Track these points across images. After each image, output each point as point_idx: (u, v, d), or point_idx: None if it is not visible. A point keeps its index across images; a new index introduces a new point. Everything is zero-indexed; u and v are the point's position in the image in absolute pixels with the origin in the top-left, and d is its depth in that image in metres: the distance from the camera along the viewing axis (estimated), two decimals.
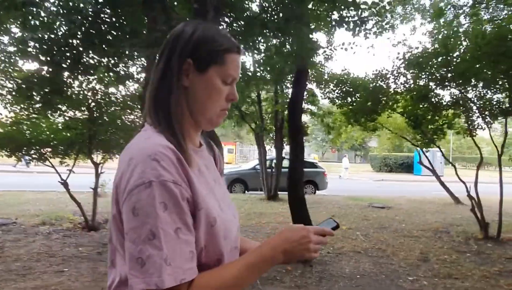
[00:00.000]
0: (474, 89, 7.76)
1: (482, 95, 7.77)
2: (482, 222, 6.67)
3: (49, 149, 6.58)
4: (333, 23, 4.20)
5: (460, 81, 7.53)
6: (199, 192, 0.80)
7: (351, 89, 9.04)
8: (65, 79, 4.52)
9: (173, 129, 0.83)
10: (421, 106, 8.13)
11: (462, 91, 7.76)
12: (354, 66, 13.40)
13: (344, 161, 25.69)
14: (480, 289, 3.97)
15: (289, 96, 9.97)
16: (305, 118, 13.73)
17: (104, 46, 3.75)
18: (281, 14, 3.85)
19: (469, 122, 7.96)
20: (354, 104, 9.14)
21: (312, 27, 4.75)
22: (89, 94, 6.39)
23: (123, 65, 5.29)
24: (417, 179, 24.94)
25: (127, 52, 3.78)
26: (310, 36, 4.72)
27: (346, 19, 4.19)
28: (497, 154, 7.12)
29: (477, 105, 7.86)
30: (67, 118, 6.25)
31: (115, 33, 3.58)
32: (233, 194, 11.89)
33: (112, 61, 4.61)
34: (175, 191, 0.74)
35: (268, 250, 0.83)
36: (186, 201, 0.77)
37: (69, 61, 3.95)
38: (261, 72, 7.93)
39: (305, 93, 11.63)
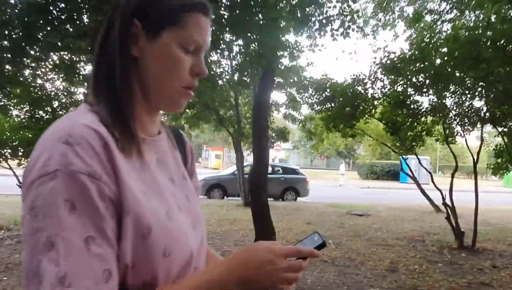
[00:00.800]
0: (453, 95, 7.68)
1: (461, 102, 7.70)
2: (457, 231, 6.52)
3: (9, 150, 6.30)
4: (297, 21, 4.02)
5: (436, 87, 7.44)
6: (130, 190, 0.60)
7: (330, 94, 8.93)
8: (9, 73, 4.24)
9: (115, 108, 0.64)
10: (399, 112, 8.02)
11: (440, 97, 7.66)
12: (339, 73, 13.33)
13: (341, 167, 26.38)
14: None
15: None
16: (289, 124, 13.59)
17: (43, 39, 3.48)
18: (241, 10, 3.66)
19: (448, 129, 7.86)
20: (333, 109, 9.03)
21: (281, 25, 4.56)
22: (52, 93, 6.14)
23: (84, 62, 5.03)
24: (402, 186, 24.90)
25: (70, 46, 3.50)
26: (279, 35, 4.54)
27: (311, 18, 4.01)
28: (473, 162, 7.01)
29: (455, 112, 7.78)
30: (26, 118, 5.96)
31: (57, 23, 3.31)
32: (211, 200, 11.62)
33: (62, 56, 4.35)
34: (88, 186, 0.55)
35: (221, 272, 0.64)
36: (107, 201, 0.57)
37: (9, 54, 3.68)
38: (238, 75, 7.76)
39: (286, 98, 11.55)
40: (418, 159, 9.01)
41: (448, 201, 6.66)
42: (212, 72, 5.05)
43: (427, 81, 7.24)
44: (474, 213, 6.46)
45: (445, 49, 6.56)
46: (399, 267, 4.94)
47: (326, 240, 0.74)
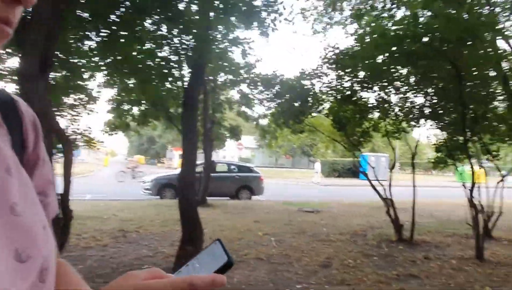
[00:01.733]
0: (397, 92, 7.81)
1: (404, 98, 7.85)
2: (396, 225, 6.62)
3: None
4: (221, 11, 3.86)
5: (380, 84, 7.55)
6: None
7: (279, 90, 8.88)
8: None
9: None
10: (346, 107, 8.07)
11: (385, 93, 7.77)
12: (291, 70, 13.36)
13: (316, 166, 27.02)
14: None
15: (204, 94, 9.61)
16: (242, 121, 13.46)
17: None
18: None
19: (394, 125, 8.00)
20: (282, 105, 8.99)
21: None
22: None
23: None
24: (362, 183, 25.52)
25: None
26: (208, 26, 4.35)
27: (236, 8, 3.87)
28: (411, 157, 7.17)
29: (399, 108, 7.93)
30: None
31: None
32: (162, 200, 11.26)
33: None
34: None
35: None
36: None
37: None
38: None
39: (240, 95, 11.40)
40: (362, 157, 9.10)
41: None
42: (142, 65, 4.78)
43: (372, 77, 7.32)
44: (412, 207, 6.57)
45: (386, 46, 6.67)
46: (333, 262, 4.90)
47: (231, 257, 0.46)
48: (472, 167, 6.34)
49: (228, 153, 45.65)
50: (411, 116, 7.93)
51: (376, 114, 8.34)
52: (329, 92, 8.15)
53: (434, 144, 7.82)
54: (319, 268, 4.61)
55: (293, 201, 12.02)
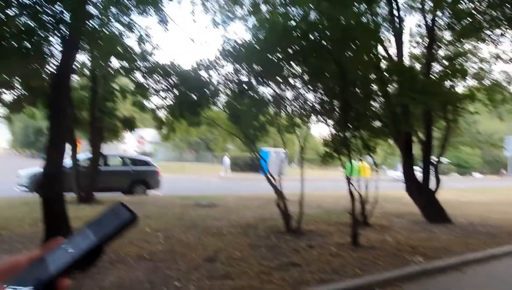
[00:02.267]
0: (291, 88, 8.04)
1: (299, 95, 8.11)
2: (285, 216, 6.84)
3: None
4: None
5: (276, 79, 7.68)
6: None
7: (177, 81, 8.49)
8: None
9: None
10: (242, 101, 8.05)
11: (277, 89, 7.93)
12: (192, 61, 12.96)
13: (225, 160, 28.04)
14: (249, 287, 3.69)
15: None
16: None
17: None
18: None
19: (288, 120, 8.22)
20: (178, 96, 8.62)
21: None
22: None
23: None
24: (263, 177, 26.37)
25: None
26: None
27: None
28: (300, 151, 7.48)
29: (293, 104, 8.19)
30: None
31: None
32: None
33: None
34: None
35: None
36: None
37: None
38: None
39: (135, 84, 10.64)
40: (263, 152, 9.25)
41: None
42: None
43: (267, 72, 7.41)
44: (300, 199, 6.85)
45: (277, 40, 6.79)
46: (220, 256, 4.80)
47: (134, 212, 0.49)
48: (350, 162, 6.84)
49: (130, 147, 43.13)
50: (304, 112, 8.28)
51: (272, 109, 8.51)
52: (226, 84, 8.07)
53: (323, 140, 8.30)
54: (203, 263, 4.46)
55: (193, 195, 11.75)
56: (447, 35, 10.55)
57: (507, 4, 8.54)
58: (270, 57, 6.85)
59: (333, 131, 8.07)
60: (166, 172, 24.54)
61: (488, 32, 9.83)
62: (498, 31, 9.78)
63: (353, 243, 5.74)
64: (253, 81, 7.89)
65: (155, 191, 12.39)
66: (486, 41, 10.35)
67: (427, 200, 8.83)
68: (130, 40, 10.53)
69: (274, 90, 7.81)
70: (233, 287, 3.64)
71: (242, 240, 5.81)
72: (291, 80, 7.73)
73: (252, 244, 5.56)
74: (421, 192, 8.87)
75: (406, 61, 10.47)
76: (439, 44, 10.44)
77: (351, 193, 6.03)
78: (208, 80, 8.01)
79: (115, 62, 10.31)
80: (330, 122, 8.25)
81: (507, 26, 9.34)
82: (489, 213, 10.76)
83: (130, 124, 10.53)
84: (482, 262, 5.52)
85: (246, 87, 7.92)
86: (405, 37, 10.73)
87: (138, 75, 10.37)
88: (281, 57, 6.97)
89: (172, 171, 27.51)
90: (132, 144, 44.03)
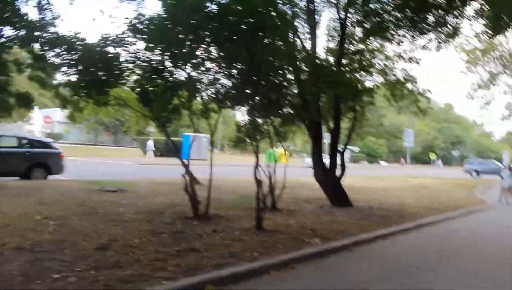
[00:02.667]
0: (207, 72, 7.81)
1: (215, 79, 7.92)
2: (193, 201, 6.72)
3: None
4: None
5: (191, 61, 7.41)
6: None
7: (82, 55, 7.73)
8: None
9: None
10: (155, 82, 7.65)
11: (193, 72, 7.68)
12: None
13: (149, 144, 27.63)
14: (138, 276, 3.52)
15: None
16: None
17: None
18: None
19: (203, 105, 8.01)
20: (83, 72, 7.88)
21: None
22: None
23: None
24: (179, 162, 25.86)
25: None
26: None
27: None
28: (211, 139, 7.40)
29: (209, 89, 7.99)
30: None
31: None
32: None
33: None
34: None
35: None
36: None
37: None
38: None
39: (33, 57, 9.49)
40: (184, 137, 8.95)
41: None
42: None
43: (182, 54, 7.10)
44: (208, 184, 6.78)
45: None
46: (114, 244, 4.51)
47: None
48: (257, 147, 6.92)
49: (37, 128, 39.07)
50: (219, 97, 8.15)
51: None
52: (136, 63, 7.57)
53: (236, 125, 8.30)
54: (94, 252, 4.15)
55: (102, 180, 11.00)
56: (358, 32, 11.23)
57: (407, 9, 9.29)
58: (182, 36, 6.58)
59: (247, 117, 8.13)
60: (77, 155, 22.80)
61: (392, 32, 10.63)
62: (401, 32, 10.64)
63: (257, 227, 5.85)
64: (166, 62, 7.54)
65: (58, 176, 11.35)
66: (391, 40, 11.19)
67: (332, 186, 9.40)
68: (29, 7, 9.36)
69: (188, 73, 7.55)
70: (120, 277, 3.43)
71: (145, 227, 5.56)
72: (206, 64, 7.53)
73: (154, 231, 5.35)
74: (327, 179, 9.41)
75: (321, 53, 10.93)
76: (351, 40, 11.03)
77: (256, 178, 6.11)
78: (116, 56, 7.45)
79: (8, 31, 9.11)
80: (244, 108, 8.27)
81: (408, 28, 10.18)
82: (386, 198, 11.89)
83: (26, 101, 9.42)
84: (371, 242, 6.04)
85: (157, 67, 7.54)
86: (322, 32, 11.16)
87: (37, 47, 9.29)
88: (193, 38, 6.73)
89: (85, 155, 25.60)
90: (40, 124, 39.98)
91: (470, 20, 9.25)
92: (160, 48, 7.14)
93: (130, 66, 7.54)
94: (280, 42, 7.31)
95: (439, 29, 9.97)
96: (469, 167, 34.05)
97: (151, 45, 7.10)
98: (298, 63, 8.25)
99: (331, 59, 10.74)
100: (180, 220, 6.23)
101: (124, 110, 11.55)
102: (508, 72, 17.68)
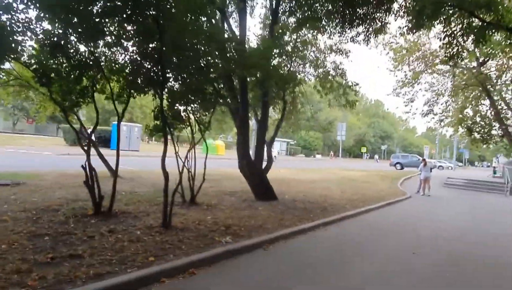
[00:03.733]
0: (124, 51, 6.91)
1: (133, 61, 7.04)
2: (94, 196, 5.89)
3: None
4: None
5: (104, 38, 6.48)
6: None
7: None
8: None
9: None
10: (57, 59, 6.59)
11: (105, 49, 6.76)
12: None
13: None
14: None
15: None
16: None
17: None
18: None
19: (120, 89, 7.10)
20: None
21: None
22: None
23: None
24: (113, 153, 24.13)
25: None
26: None
27: None
28: (117, 129, 6.61)
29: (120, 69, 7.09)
30: None
31: None
32: None
33: None
34: None
35: None
36: None
37: None
38: None
39: None
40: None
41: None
42: None
43: (86, 28, 6.14)
44: (113, 178, 6.00)
45: None
46: None
47: None
48: (170, 136, 6.29)
49: None
50: (137, 80, 7.29)
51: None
52: (31, 35, 6.45)
53: (153, 111, 7.55)
54: None
55: (1, 172, 9.57)
56: (292, 21, 10.97)
57: (339, 1, 9.14)
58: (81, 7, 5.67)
59: (166, 103, 7.44)
60: None
61: (324, 23, 10.48)
62: (332, 24, 10.53)
63: (163, 225, 5.24)
64: (70, 36, 6.53)
65: None
66: (323, 32, 11.05)
67: (257, 178, 9.05)
68: None
69: (92, 51, 6.61)
70: None
71: (25, 228, 4.66)
72: (121, 42, 6.65)
73: (35, 233, 4.49)
74: (252, 171, 9.03)
75: (253, 40, 10.48)
76: (283, 29, 10.71)
77: (164, 170, 5.47)
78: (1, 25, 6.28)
79: None
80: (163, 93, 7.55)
81: (338, 20, 10.08)
82: (313, 190, 11.88)
83: None
84: (288, 237, 5.73)
85: (59, 42, 6.49)
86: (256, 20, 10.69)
87: None
88: (98, 10, 5.85)
89: None
90: None
91: (396, 15, 9.36)
92: (59, 20, 6.14)
93: (20, 38, 6.43)
94: (202, 21, 6.68)
95: (368, 22, 10.02)
96: (393, 160, 36.35)
97: (44, 15, 6.07)
98: (222, 46, 7.68)
99: (261, 46, 10.34)
100: (76, 219, 5.39)
101: (29, 92, 10.10)
102: (429, 71, 18.78)
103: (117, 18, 6.13)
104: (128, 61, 7.09)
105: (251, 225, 6.00)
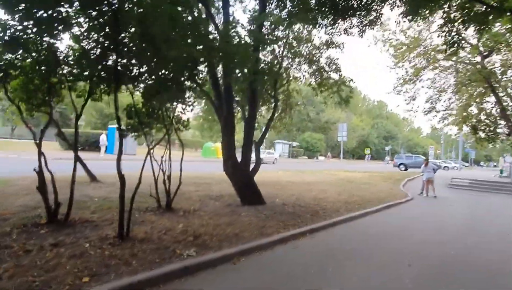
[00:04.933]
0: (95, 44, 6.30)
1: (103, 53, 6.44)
2: (47, 203, 5.25)
3: None
4: None
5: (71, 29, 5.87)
6: None
7: None
8: None
9: None
10: (14, 54, 5.98)
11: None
12: None
13: (102, 138, 25.52)
14: None
15: None
16: None
17: None
18: None
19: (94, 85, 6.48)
20: None
21: None
22: None
23: None
24: (108, 157, 23.63)
25: None
26: None
27: None
28: (75, 130, 5.98)
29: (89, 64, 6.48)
30: None
31: None
32: None
33: None
34: None
35: None
36: None
37: None
38: None
39: None
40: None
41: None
42: None
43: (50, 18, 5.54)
44: (71, 183, 5.35)
45: None
46: None
47: None
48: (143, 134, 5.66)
49: None
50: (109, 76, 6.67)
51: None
52: None
53: (125, 109, 6.93)
54: None
55: None
56: (284, 14, 10.33)
57: None
58: None
59: (142, 100, 6.84)
60: None
61: (316, 14, 9.84)
62: (324, 16, 9.88)
63: (119, 236, 4.58)
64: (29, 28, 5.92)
65: None
66: (315, 24, 10.40)
67: (243, 182, 8.38)
68: None
69: (51, 43, 5.99)
70: None
71: None
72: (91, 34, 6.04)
73: None
74: (237, 174, 8.36)
75: (242, 32, 9.85)
76: (275, 24, 10.09)
77: (119, 174, 4.82)
78: None
79: None
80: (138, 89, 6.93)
81: (331, 11, 9.44)
82: (308, 192, 11.16)
83: None
84: (266, 248, 5.05)
85: (16, 34, 5.88)
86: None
87: None
88: None
89: None
90: None
91: (392, 5, 8.68)
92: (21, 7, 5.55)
93: None
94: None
95: (362, 14, 9.38)
96: (397, 161, 35.49)
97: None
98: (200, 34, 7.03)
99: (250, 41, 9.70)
100: (23, 229, 4.75)
101: None
102: (431, 67, 18.04)
103: (75, 5, 5.51)
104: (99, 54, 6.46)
105: (225, 234, 5.33)
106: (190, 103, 7.47)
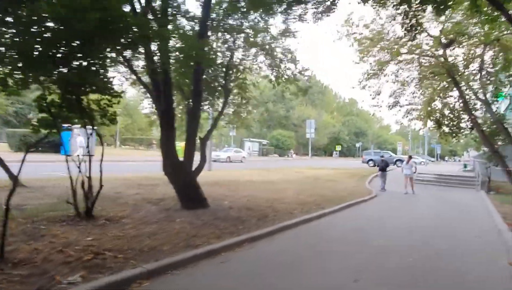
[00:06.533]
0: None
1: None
2: None
3: None
4: None
5: None
6: None
7: None
8: None
9: None
10: None
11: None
12: None
13: (79, 140, 22.29)
14: None
15: None
16: None
17: None
18: None
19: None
20: None
21: None
22: None
23: None
24: (62, 159, 21.91)
25: None
26: None
27: None
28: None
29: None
30: None
31: None
32: None
33: None
34: None
35: None
36: None
37: None
38: None
39: None
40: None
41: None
42: None
43: None
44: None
45: None
46: None
47: None
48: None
49: None
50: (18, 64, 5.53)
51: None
52: None
53: (35, 101, 5.84)
54: None
55: None
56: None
57: None
58: None
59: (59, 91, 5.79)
60: None
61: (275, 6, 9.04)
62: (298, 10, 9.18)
63: None
64: None
65: None
66: (268, 11, 9.56)
67: (184, 182, 7.41)
68: None
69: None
70: None
71: None
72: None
73: None
74: (177, 173, 7.38)
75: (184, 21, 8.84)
76: (229, 13, 9.20)
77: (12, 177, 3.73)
78: None
79: None
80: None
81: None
82: (264, 193, 10.30)
83: None
84: (183, 265, 4.11)
85: None
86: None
87: None
88: None
89: None
90: None
91: None
92: None
93: None
94: None
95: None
96: (366, 157, 35.48)
97: None
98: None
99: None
100: None
101: None
102: (395, 61, 17.65)
103: None
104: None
105: (140, 248, 4.36)
106: (116, 94, 6.38)
